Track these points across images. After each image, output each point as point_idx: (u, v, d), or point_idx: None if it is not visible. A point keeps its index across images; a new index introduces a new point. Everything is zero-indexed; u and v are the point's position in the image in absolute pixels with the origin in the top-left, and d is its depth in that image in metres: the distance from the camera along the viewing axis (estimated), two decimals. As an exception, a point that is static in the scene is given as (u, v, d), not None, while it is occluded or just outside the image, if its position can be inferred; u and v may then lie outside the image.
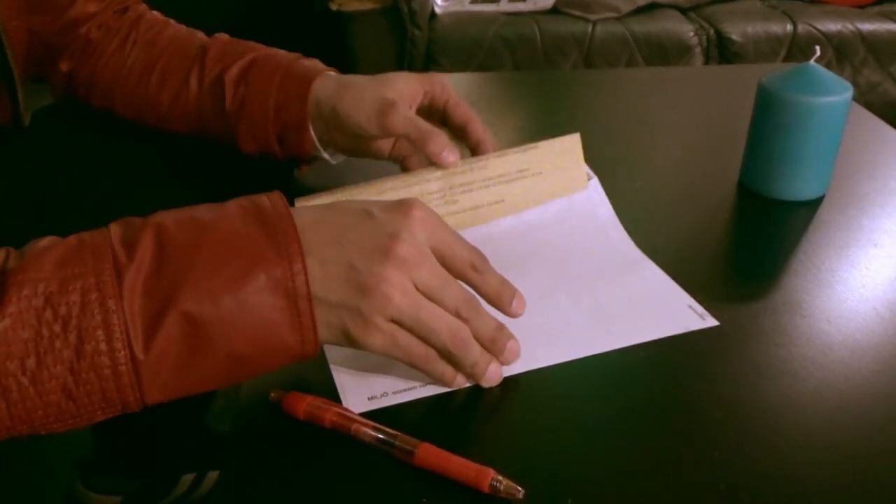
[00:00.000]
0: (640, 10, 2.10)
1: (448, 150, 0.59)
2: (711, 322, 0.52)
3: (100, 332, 0.37)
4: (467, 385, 0.47)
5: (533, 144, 0.62)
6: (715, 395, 0.46)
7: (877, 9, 2.15)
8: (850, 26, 2.05)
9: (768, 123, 0.66)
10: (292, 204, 0.48)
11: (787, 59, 2.04)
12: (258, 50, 0.67)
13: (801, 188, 0.67)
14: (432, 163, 0.60)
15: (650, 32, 2.03)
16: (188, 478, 1.00)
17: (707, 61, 2.05)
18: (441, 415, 0.45)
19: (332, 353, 0.49)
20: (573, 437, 0.43)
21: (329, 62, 0.67)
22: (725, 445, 0.43)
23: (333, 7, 1.95)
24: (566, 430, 0.44)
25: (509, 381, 0.47)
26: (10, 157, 0.71)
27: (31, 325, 0.37)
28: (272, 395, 0.45)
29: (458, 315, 0.44)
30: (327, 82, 0.63)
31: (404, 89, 0.62)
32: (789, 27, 2.05)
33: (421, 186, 0.59)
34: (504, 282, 0.47)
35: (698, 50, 2.04)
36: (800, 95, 0.63)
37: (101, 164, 0.73)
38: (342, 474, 0.41)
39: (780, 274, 0.58)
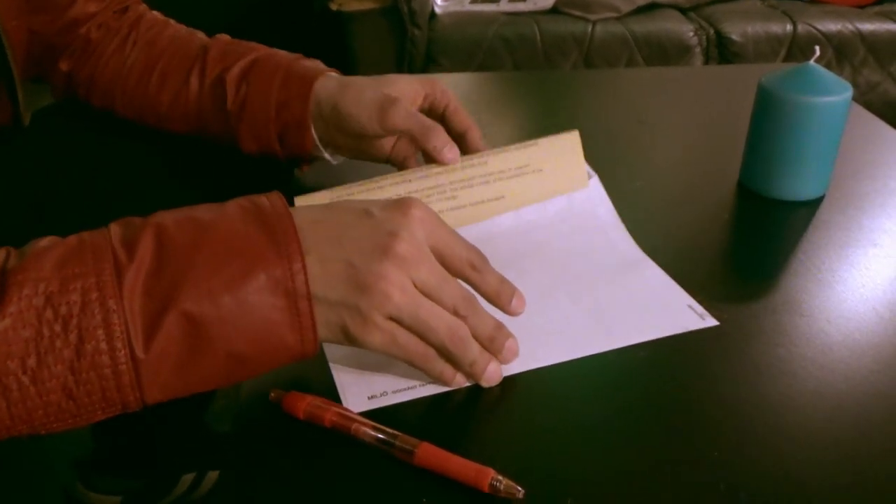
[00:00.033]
0: (639, 10, 2.11)
1: (449, 147, 0.59)
2: (711, 322, 0.52)
3: (100, 332, 0.37)
4: (467, 385, 0.47)
5: (532, 141, 0.62)
6: (715, 395, 0.46)
7: (877, 9, 2.15)
8: (850, 26, 2.05)
9: (768, 123, 0.66)
10: (292, 204, 0.49)
11: (786, 59, 2.04)
12: (259, 50, 0.67)
13: (800, 188, 0.67)
14: (432, 160, 0.60)
15: (650, 32, 2.03)
16: (188, 478, 1.00)
17: (707, 61, 2.05)
18: (441, 414, 0.45)
19: (331, 352, 0.49)
20: (573, 436, 0.43)
21: (329, 62, 0.67)
22: (725, 445, 0.43)
23: (333, 7, 1.95)
24: (566, 430, 0.44)
25: (509, 381, 0.47)
26: (10, 157, 0.71)
27: (32, 325, 0.37)
28: (272, 394, 0.45)
29: (456, 313, 0.44)
30: (329, 82, 0.63)
31: (406, 89, 0.63)
32: (789, 27, 2.05)
33: (420, 182, 0.59)
34: (503, 280, 0.47)
35: (698, 50, 2.04)
36: (800, 95, 0.63)
37: (101, 164, 0.73)
38: (342, 474, 0.41)
39: (779, 274, 0.58)
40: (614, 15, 2.07)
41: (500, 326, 0.46)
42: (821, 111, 0.64)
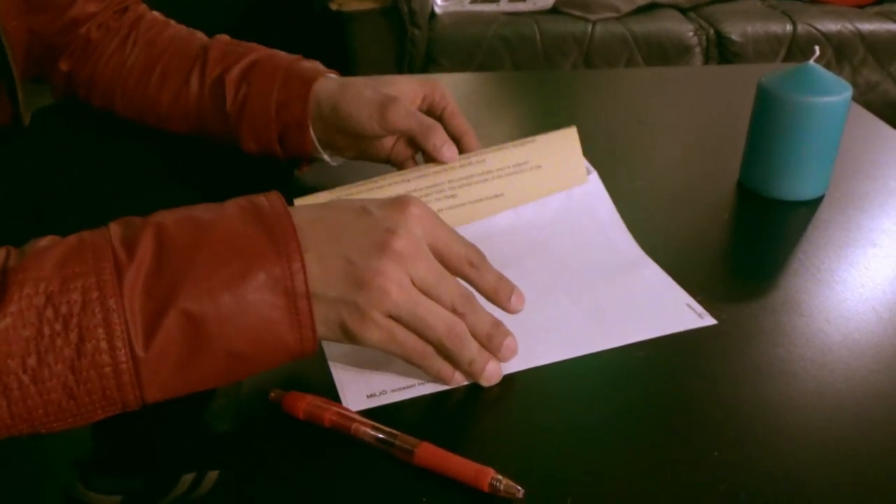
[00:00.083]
0: (639, 10, 2.11)
1: (448, 146, 0.59)
2: (710, 321, 0.52)
3: (100, 331, 0.37)
4: (465, 383, 0.47)
5: (530, 138, 0.62)
6: (714, 395, 0.46)
7: (876, 9, 2.15)
8: (850, 26, 2.05)
9: (768, 123, 0.66)
10: (291, 203, 0.49)
11: (786, 58, 2.04)
12: (259, 51, 0.67)
13: (800, 188, 0.67)
14: (431, 159, 0.60)
15: (650, 32, 2.03)
16: (188, 477, 1.00)
17: (707, 61, 2.05)
18: (440, 414, 0.45)
19: (331, 350, 0.49)
20: (573, 436, 0.44)
21: (329, 62, 0.67)
22: (725, 445, 0.43)
23: (333, 7, 1.95)
24: (566, 430, 0.44)
25: (508, 381, 0.47)
26: (10, 157, 0.71)
27: (33, 324, 0.37)
28: (272, 394, 0.45)
29: (454, 311, 0.44)
30: (328, 83, 0.63)
31: (405, 89, 0.63)
32: (789, 27, 2.05)
33: (419, 181, 0.60)
34: (502, 278, 0.47)
35: (698, 50, 2.04)
36: (799, 95, 0.63)
37: (101, 164, 0.73)
38: (342, 474, 0.41)
39: (779, 274, 0.58)
40: (614, 15, 2.07)
41: (498, 324, 0.46)
42: (820, 111, 0.64)
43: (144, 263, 0.39)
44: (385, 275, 0.42)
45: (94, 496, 0.99)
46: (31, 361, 0.37)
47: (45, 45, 0.71)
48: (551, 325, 0.52)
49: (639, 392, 0.47)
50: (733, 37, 2.03)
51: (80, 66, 0.72)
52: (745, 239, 0.64)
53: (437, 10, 2.06)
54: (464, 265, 0.46)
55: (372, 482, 0.41)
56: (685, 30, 2.04)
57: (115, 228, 0.41)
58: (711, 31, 2.05)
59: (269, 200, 0.43)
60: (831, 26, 2.05)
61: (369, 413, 0.44)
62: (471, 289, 0.46)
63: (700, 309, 0.53)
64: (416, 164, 0.66)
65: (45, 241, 0.40)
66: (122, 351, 0.38)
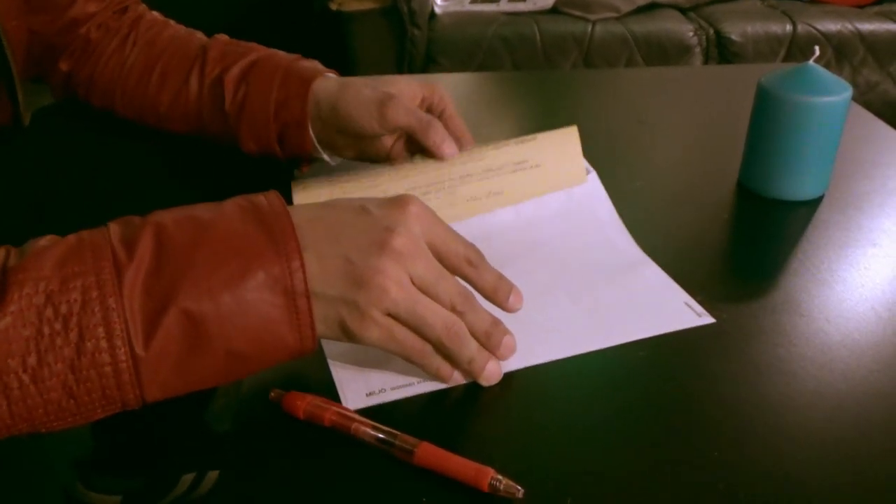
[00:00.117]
0: (639, 10, 2.11)
1: (448, 142, 0.59)
2: (708, 319, 0.52)
3: (100, 330, 0.37)
4: (464, 382, 0.47)
5: (530, 136, 0.62)
6: (714, 395, 0.46)
7: (876, 9, 2.15)
8: (850, 26, 2.05)
9: (767, 123, 0.66)
10: (290, 201, 0.49)
11: (786, 58, 2.04)
12: (259, 51, 0.67)
13: (800, 188, 0.67)
14: (431, 156, 0.60)
15: (650, 32, 2.03)
16: (188, 477, 1.00)
17: (706, 61, 2.05)
18: (440, 414, 0.45)
19: (330, 349, 0.49)
20: (573, 436, 0.44)
21: (329, 62, 0.67)
22: (724, 445, 0.43)
23: (333, 7, 1.95)
24: (566, 430, 0.44)
25: (508, 381, 0.47)
26: (10, 157, 0.71)
27: (32, 323, 0.37)
28: (272, 394, 0.45)
29: (453, 309, 0.45)
30: (327, 83, 0.63)
31: (405, 88, 0.63)
32: (789, 27, 2.05)
33: (418, 177, 0.60)
34: (500, 277, 0.47)
35: (698, 50, 2.04)
36: (799, 95, 0.63)
37: (101, 164, 0.73)
38: (342, 474, 0.41)
39: (779, 274, 0.58)
40: (614, 15, 2.07)
41: (497, 323, 0.46)
42: (820, 111, 0.64)
43: (144, 263, 0.39)
44: (384, 273, 0.42)
45: (94, 496, 0.99)
46: (31, 361, 0.37)
47: (45, 45, 0.71)
48: (550, 323, 0.52)
49: (639, 392, 0.47)
50: (733, 37, 2.03)
51: (80, 66, 0.72)
52: (744, 239, 0.64)
53: (437, 10, 2.06)
54: (462, 264, 0.46)
55: (372, 482, 0.41)
56: (685, 30, 2.04)
57: (114, 228, 0.41)
58: (711, 31, 2.06)
59: (267, 200, 0.43)
60: (831, 26, 2.05)
61: (369, 412, 0.44)
62: (469, 288, 0.46)
63: (698, 308, 0.53)
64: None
65: (44, 241, 0.40)
66: (122, 350, 0.38)
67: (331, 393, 0.46)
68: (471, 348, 0.45)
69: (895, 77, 2.08)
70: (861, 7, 2.16)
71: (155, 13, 0.76)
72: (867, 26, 2.05)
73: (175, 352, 0.39)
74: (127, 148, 0.73)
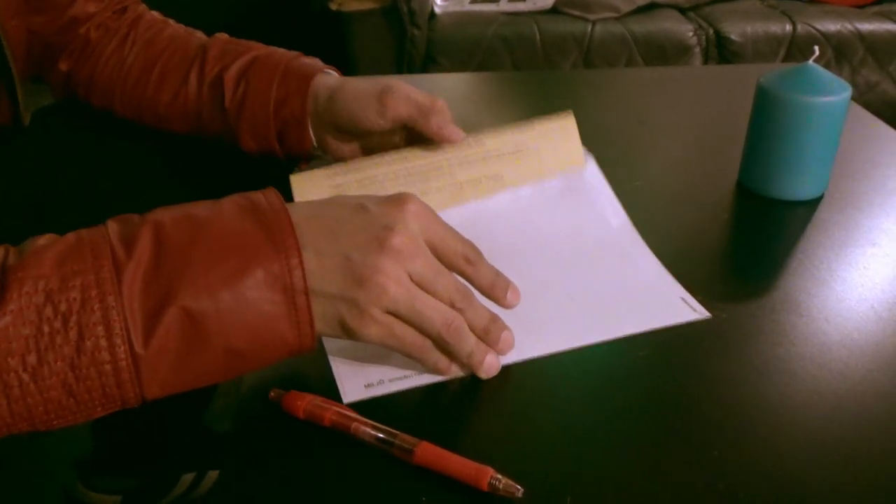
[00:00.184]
0: (639, 10, 2.11)
1: (452, 126, 0.59)
2: (704, 314, 0.52)
3: (100, 329, 0.37)
4: (461, 374, 0.47)
5: (528, 123, 0.62)
6: (714, 395, 0.46)
7: (876, 9, 2.15)
8: (849, 26, 2.05)
9: (767, 123, 0.66)
10: (289, 198, 0.49)
11: (786, 58, 2.04)
12: (258, 49, 0.67)
13: (799, 188, 0.67)
14: (432, 143, 0.60)
15: (649, 32, 2.03)
16: (188, 477, 1.00)
17: (706, 61, 2.05)
18: (440, 413, 0.46)
19: (329, 342, 0.49)
20: (572, 436, 0.44)
21: (328, 62, 0.67)
22: (725, 445, 0.43)
23: (333, 7, 1.95)
24: (566, 429, 0.44)
25: (507, 379, 0.47)
26: (10, 157, 0.71)
27: (32, 322, 0.37)
28: (272, 394, 0.45)
29: (452, 305, 0.45)
30: (327, 79, 0.63)
31: (403, 84, 0.63)
32: (788, 27, 2.05)
33: (417, 160, 0.60)
34: (498, 273, 0.48)
35: (697, 50, 2.04)
36: (798, 95, 0.63)
37: (101, 164, 0.73)
38: (342, 474, 0.41)
39: (778, 273, 0.58)
40: (614, 15, 2.07)
41: (495, 318, 0.47)
42: (820, 111, 0.64)
43: (143, 261, 0.39)
44: (383, 272, 0.42)
45: (94, 496, 0.99)
46: (31, 359, 0.37)
47: (45, 45, 0.71)
48: (547, 318, 0.52)
49: (639, 392, 0.47)
50: (733, 37, 2.03)
51: (80, 65, 0.72)
52: (744, 239, 0.64)
53: (437, 9, 2.06)
54: (460, 261, 0.46)
55: (371, 481, 0.41)
56: (685, 30, 2.04)
57: (112, 226, 0.41)
58: (711, 31, 2.05)
59: (266, 197, 0.43)
60: (831, 26, 2.05)
61: (368, 409, 0.44)
62: (467, 285, 0.47)
63: (694, 302, 0.53)
64: None
65: (43, 240, 0.40)
66: (122, 348, 0.38)
67: (330, 392, 0.46)
68: (470, 343, 0.45)
69: (895, 77, 2.08)
70: (861, 7, 2.16)
71: (154, 13, 0.76)
72: (867, 26, 2.05)
73: (174, 350, 0.39)
74: (127, 148, 0.73)
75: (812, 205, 0.67)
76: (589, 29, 2.02)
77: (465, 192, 0.61)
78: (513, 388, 0.47)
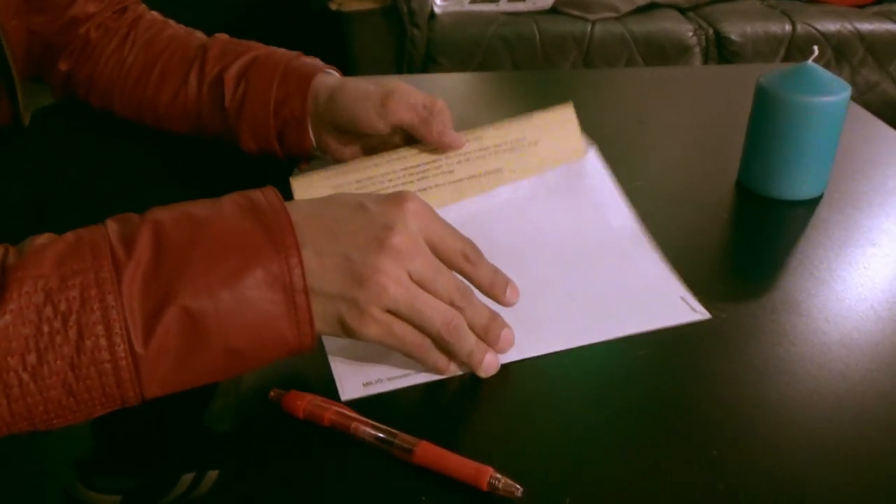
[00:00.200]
0: (639, 10, 2.10)
1: (452, 132, 0.59)
2: (704, 314, 0.52)
3: (99, 328, 0.37)
4: (460, 373, 0.47)
5: (527, 115, 0.62)
6: (713, 395, 0.46)
7: (875, 9, 2.15)
8: (849, 26, 2.05)
9: (767, 123, 0.66)
10: (288, 197, 0.49)
11: (785, 58, 2.04)
12: (259, 49, 0.67)
13: (799, 188, 0.67)
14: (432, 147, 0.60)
15: (649, 32, 2.03)
16: (188, 477, 1.00)
17: (706, 61, 2.05)
18: (439, 413, 0.46)
19: (328, 341, 0.49)
20: (572, 435, 0.44)
21: (329, 62, 0.67)
22: (724, 445, 0.43)
23: (333, 7, 1.95)
24: (565, 429, 0.44)
25: (508, 380, 0.47)
26: (10, 157, 0.71)
27: (32, 322, 0.37)
28: (271, 393, 0.45)
29: (452, 304, 0.45)
30: (328, 79, 0.63)
31: (406, 87, 0.63)
32: (788, 27, 2.05)
33: (416, 158, 0.60)
34: (497, 272, 0.48)
35: (697, 50, 2.04)
36: (798, 95, 0.63)
37: (101, 164, 0.73)
38: (342, 473, 0.41)
39: (778, 273, 0.58)
40: (613, 15, 2.07)
41: (495, 317, 0.47)
42: (819, 111, 0.64)
43: (142, 261, 0.39)
44: (383, 271, 0.42)
45: (94, 496, 0.99)
46: (31, 359, 0.37)
47: (45, 45, 0.71)
48: (546, 317, 0.52)
49: (638, 391, 0.47)
50: (732, 37, 2.03)
51: (80, 65, 0.72)
52: (744, 238, 0.64)
53: (437, 10, 2.06)
54: (459, 260, 0.46)
55: (371, 481, 0.41)
56: (684, 30, 2.04)
57: (112, 226, 0.41)
58: (711, 31, 2.06)
59: (265, 196, 0.43)
60: (830, 26, 2.05)
61: (368, 408, 0.44)
62: (467, 283, 0.47)
63: (694, 302, 0.53)
64: None
65: (42, 239, 0.40)
66: (121, 347, 0.38)
67: (330, 392, 0.46)
68: (469, 342, 0.45)
69: (894, 77, 2.08)
70: (860, 7, 2.16)
71: (154, 13, 0.76)
72: (866, 26, 2.05)
73: (174, 349, 0.39)
74: (127, 148, 0.73)
75: (812, 205, 0.67)
76: (589, 29, 2.02)
77: (465, 188, 0.61)
78: (513, 387, 0.47)
